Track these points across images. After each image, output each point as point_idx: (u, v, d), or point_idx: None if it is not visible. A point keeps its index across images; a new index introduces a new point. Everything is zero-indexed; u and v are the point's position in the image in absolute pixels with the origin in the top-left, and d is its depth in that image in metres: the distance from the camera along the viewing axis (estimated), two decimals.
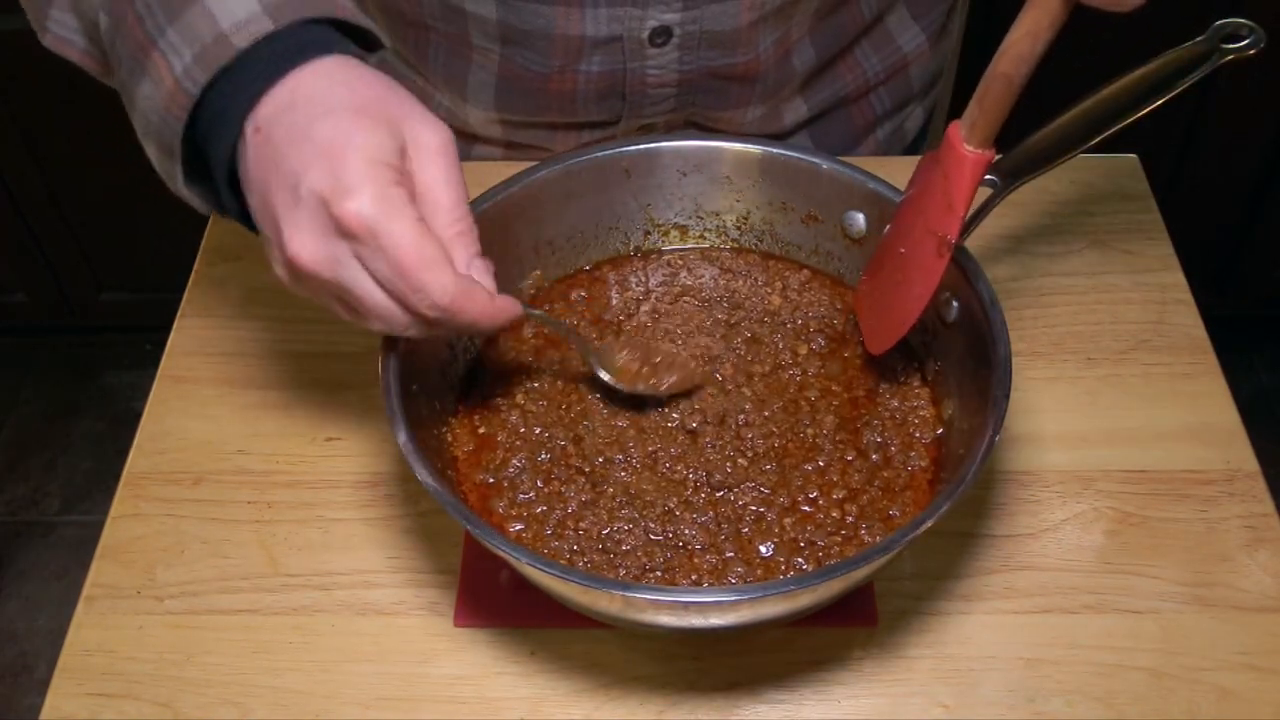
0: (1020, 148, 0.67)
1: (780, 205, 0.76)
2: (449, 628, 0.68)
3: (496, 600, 0.69)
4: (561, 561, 0.64)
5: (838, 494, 0.66)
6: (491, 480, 0.68)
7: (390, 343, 0.63)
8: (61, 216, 1.80)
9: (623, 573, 0.63)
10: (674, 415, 0.70)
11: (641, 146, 0.75)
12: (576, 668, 0.66)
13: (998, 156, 0.64)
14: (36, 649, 1.72)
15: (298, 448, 0.76)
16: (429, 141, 0.58)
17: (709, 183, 0.76)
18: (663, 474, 0.67)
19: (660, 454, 0.68)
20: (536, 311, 0.70)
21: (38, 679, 1.68)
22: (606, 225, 0.77)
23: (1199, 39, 0.64)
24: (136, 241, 1.82)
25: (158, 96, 0.58)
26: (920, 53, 0.94)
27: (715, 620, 0.60)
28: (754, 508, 0.66)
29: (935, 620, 0.68)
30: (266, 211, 0.57)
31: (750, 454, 0.68)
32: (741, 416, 0.70)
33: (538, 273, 0.76)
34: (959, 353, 0.68)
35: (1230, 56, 0.63)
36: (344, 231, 0.55)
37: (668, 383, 0.71)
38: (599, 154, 0.74)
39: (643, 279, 0.78)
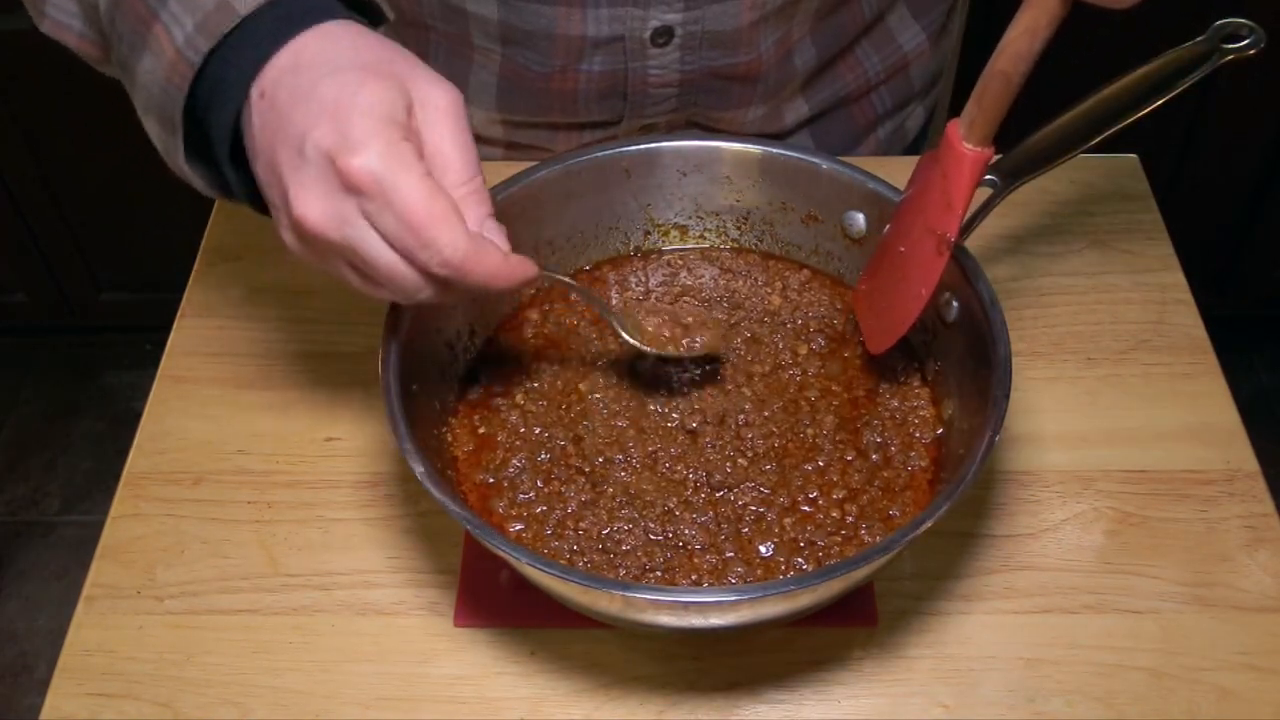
0: (1020, 148, 0.67)
1: (780, 205, 0.76)
2: (449, 628, 0.68)
3: (496, 600, 0.69)
4: (561, 561, 0.64)
5: (838, 494, 0.66)
6: (491, 480, 0.68)
7: (390, 342, 0.63)
8: (62, 216, 1.80)
9: (623, 573, 0.63)
10: (674, 415, 0.70)
11: (641, 146, 0.74)
12: (576, 668, 0.66)
13: (997, 156, 0.64)
14: (36, 649, 1.72)
15: (298, 448, 0.76)
16: (438, 100, 0.56)
17: (709, 183, 0.76)
18: (663, 474, 0.67)
19: (660, 454, 0.68)
20: (563, 278, 0.68)
21: (38, 679, 1.68)
22: (606, 225, 0.77)
23: (1199, 39, 0.64)
24: (136, 241, 1.82)
25: (159, 68, 0.57)
26: (921, 52, 0.95)
27: (715, 620, 0.60)
28: (754, 508, 0.66)
29: (935, 620, 0.68)
30: (273, 174, 0.55)
31: (750, 454, 0.68)
32: (741, 416, 0.70)
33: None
34: (959, 353, 0.68)
35: (1230, 56, 0.63)
36: (351, 187, 0.53)
37: (700, 342, 0.70)
38: (599, 154, 0.74)
39: (643, 279, 0.78)
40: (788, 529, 0.65)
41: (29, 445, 1.96)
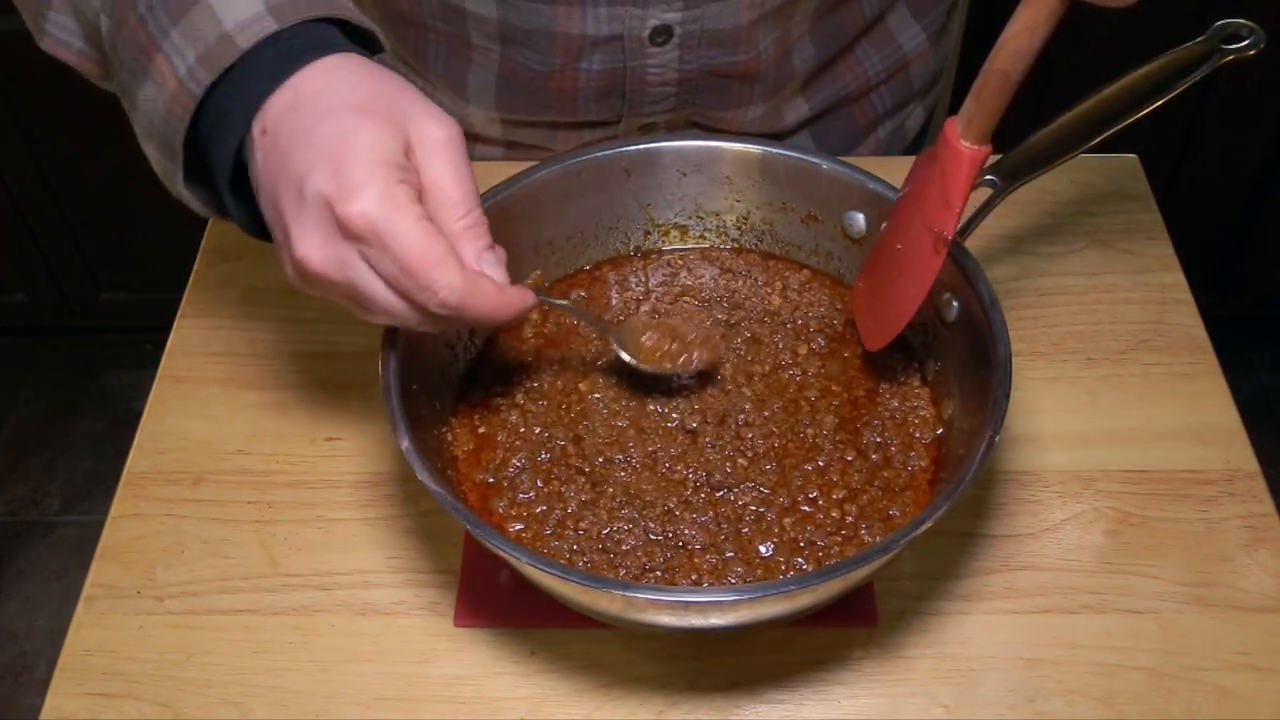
0: (1020, 148, 0.67)
1: (780, 205, 0.76)
2: (449, 628, 0.68)
3: (496, 600, 0.69)
4: (561, 561, 0.64)
5: (838, 494, 0.66)
6: (491, 480, 0.68)
7: (390, 342, 0.63)
8: (62, 216, 1.80)
9: (623, 573, 0.63)
10: (674, 415, 0.70)
11: (641, 146, 0.75)
12: (576, 668, 0.66)
13: (997, 157, 0.64)
14: (36, 649, 1.72)
15: (298, 448, 0.76)
16: (435, 136, 0.57)
17: (709, 183, 0.76)
18: (663, 474, 0.67)
19: (660, 454, 0.68)
20: (560, 302, 0.69)
21: (38, 679, 1.69)
22: (606, 225, 0.77)
23: (1199, 39, 0.64)
24: (136, 241, 1.82)
25: (160, 98, 0.57)
26: (921, 52, 0.95)
27: (715, 620, 0.60)
28: (754, 508, 0.66)
29: (935, 620, 0.68)
30: (275, 212, 0.57)
31: (750, 454, 0.68)
32: (741, 416, 0.70)
33: (538, 273, 0.76)
34: (959, 353, 0.68)
35: (1230, 57, 0.63)
36: (349, 233, 0.54)
37: (698, 358, 0.70)
38: (599, 154, 0.74)
39: (643, 279, 0.78)
40: (788, 529, 0.65)
41: (29, 445, 1.96)
